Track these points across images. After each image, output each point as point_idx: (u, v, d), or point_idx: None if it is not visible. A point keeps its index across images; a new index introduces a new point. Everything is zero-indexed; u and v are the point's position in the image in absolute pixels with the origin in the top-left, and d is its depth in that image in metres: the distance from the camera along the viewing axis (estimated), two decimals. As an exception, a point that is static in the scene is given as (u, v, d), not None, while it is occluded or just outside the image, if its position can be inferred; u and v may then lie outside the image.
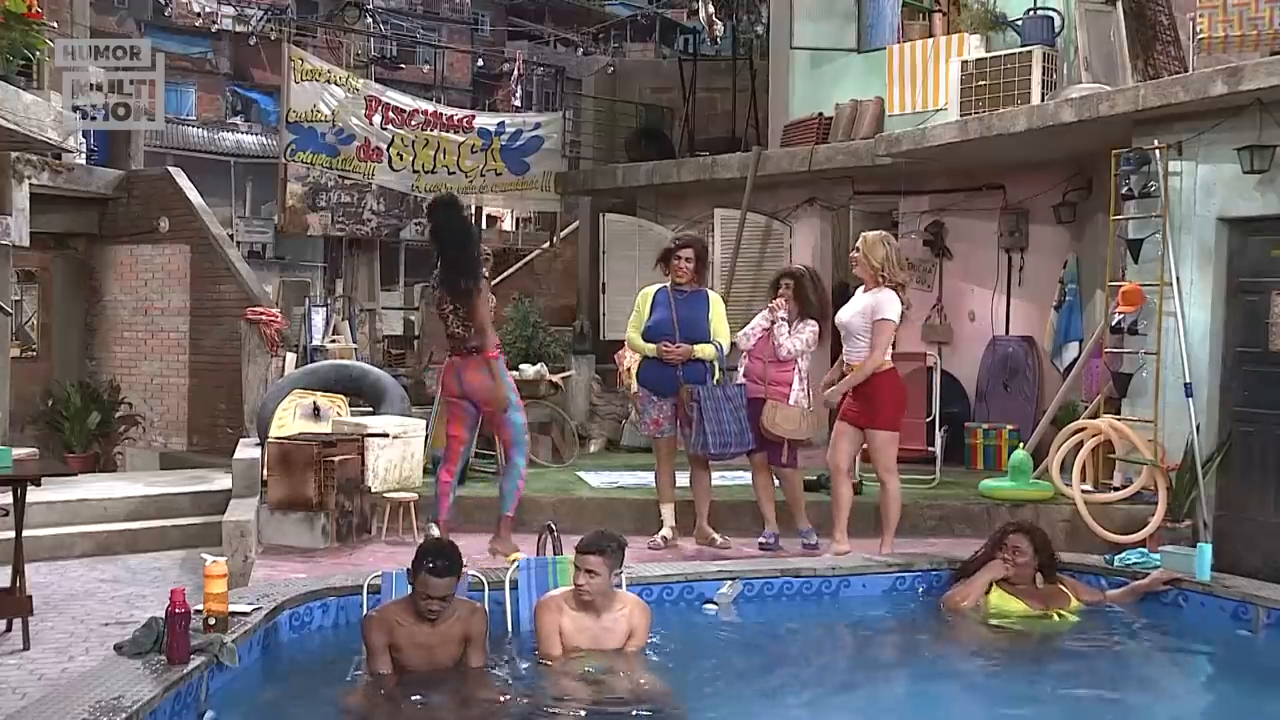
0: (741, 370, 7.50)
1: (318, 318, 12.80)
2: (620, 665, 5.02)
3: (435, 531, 6.09)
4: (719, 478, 7.85)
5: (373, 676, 4.72)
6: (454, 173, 13.39)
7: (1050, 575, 6.26)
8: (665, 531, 7.36)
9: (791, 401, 7.23)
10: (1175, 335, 7.72)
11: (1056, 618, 6.07)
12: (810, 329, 7.35)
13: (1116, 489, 7.89)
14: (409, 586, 4.87)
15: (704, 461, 7.35)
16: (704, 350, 7.19)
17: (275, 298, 13.64)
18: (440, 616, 4.77)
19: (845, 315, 7.00)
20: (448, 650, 4.84)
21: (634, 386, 7.78)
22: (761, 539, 7.47)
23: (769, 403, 7.19)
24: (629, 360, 8.70)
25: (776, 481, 7.51)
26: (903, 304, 6.87)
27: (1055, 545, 6.51)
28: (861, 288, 7.07)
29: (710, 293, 7.48)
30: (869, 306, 6.84)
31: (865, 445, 7.09)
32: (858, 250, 6.98)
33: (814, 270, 7.94)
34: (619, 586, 5.28)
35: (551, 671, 4.90)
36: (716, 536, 7.38)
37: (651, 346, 7.19)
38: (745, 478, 8.38)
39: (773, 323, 7.35)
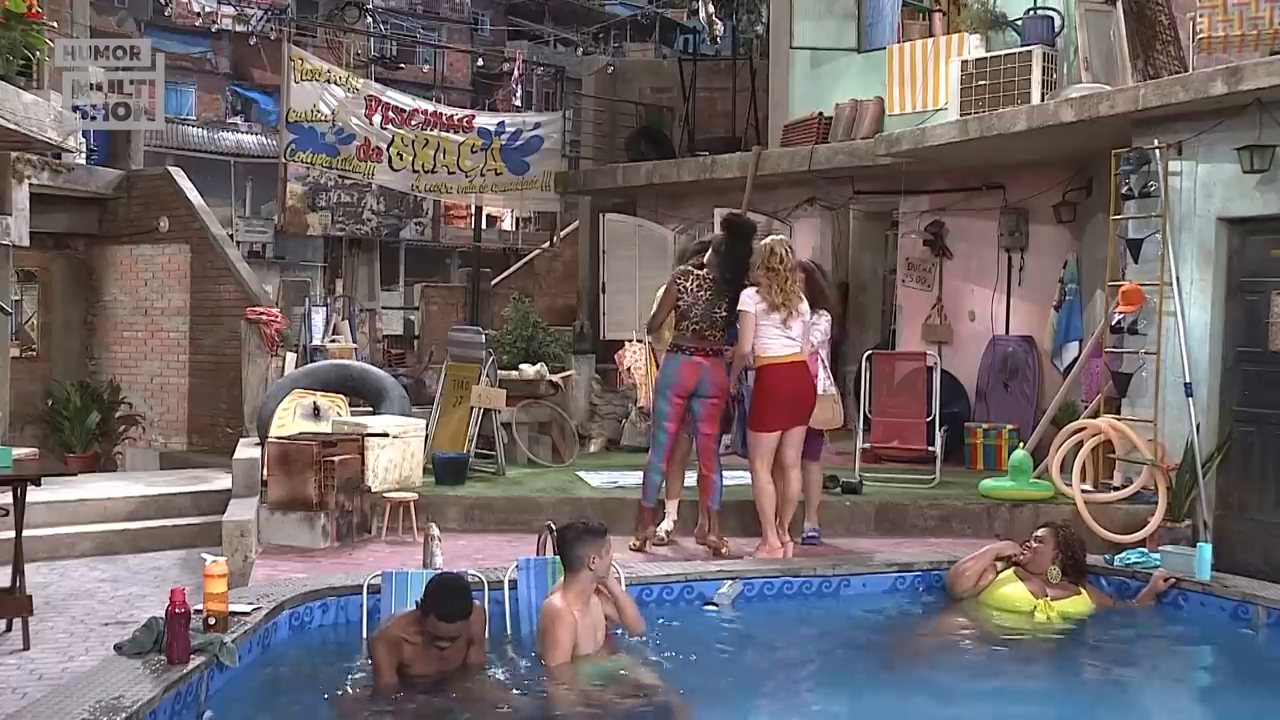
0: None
1: (318, 317, 12.80)
2: (621, 665, 5.02)
3: (435, 531, 6.09)
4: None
5: (375, 687, 4.70)
6: (454, 172, 13.39)
7: (1073, 577, 6.29)
8: (667, 524, 7.39)
9: (821, 391, 7.30)
10: (1175, 335, 7.72)
11: (1048, 608, 6.08)
12: (826, 320, 7.47)
13: (1116, 489, 7.89)
14: (414, 603, 4.86)
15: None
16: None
17: (275, 297, 13.63)
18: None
19: None
20: (456, 658, 4.87)
21: (645, 390, 7.78)
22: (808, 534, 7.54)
23: None
24: (629, 359, 8.71)
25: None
26: (767, 299, 6.90)
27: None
28: None
29: None
30: None
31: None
32: None
33: (820, 264, 8.00)
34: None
35: (553, 672, 4.89)
36: (714, 540, 7.39)
37: None
38: (746, 477, 8.39)
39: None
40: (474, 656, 4.92)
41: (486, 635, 5.27)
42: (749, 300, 6.94)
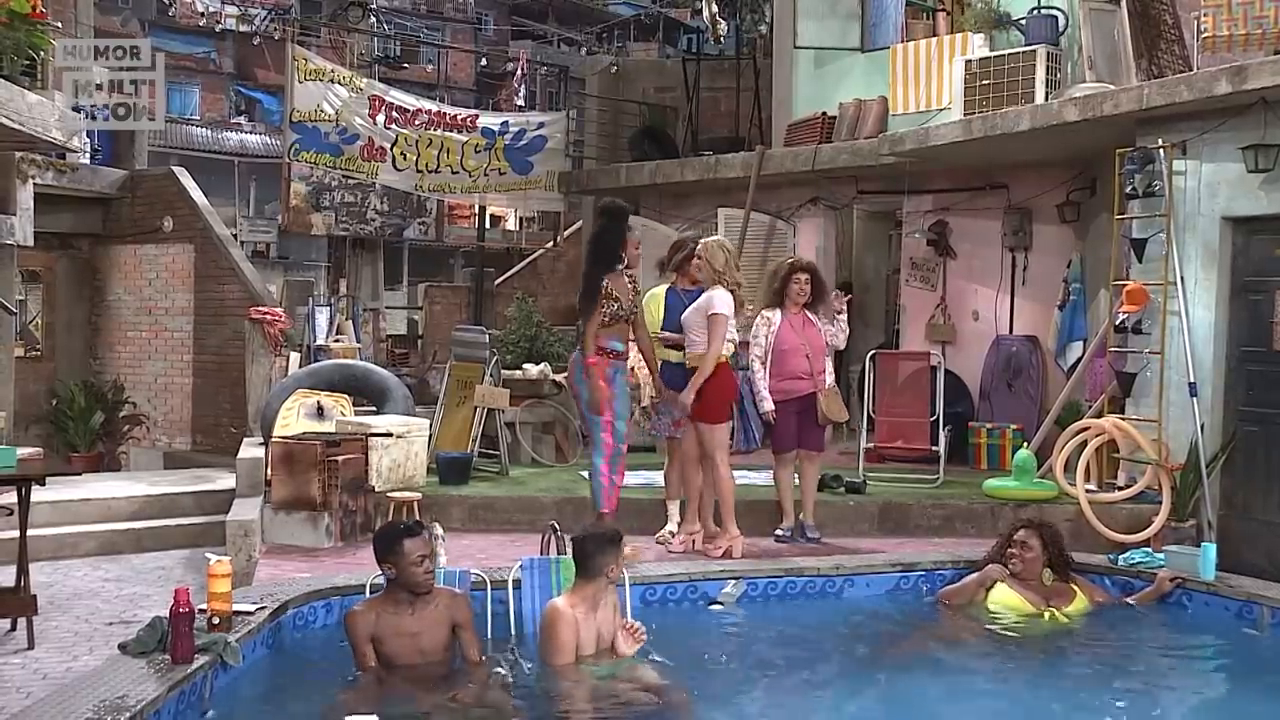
0: (764, 369, 7.35)
1: (321, 317, 12.82)
2: (625, 665, 5.02)
3: (438, 531, 6.09)
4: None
5: (362, 674, 4.74)
6: (458, 172, 13.39)
7: (1063, 574, 6.26)
8: (671, 526, 7.40)
9: (828, 386, 7.43)
10: (1179, 335, 7.72)
11: (1055, 617, 6.06)
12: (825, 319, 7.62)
13: (1120, 488, 7.88)
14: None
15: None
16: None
17: (279, 297, 13.65)
18: (429, 596, 4.82)
19: (684, 314, 7.16)
20: (434, 637, 4.86)
21: (649, 389, 7.75)
22: (779, 531, 7.54)
23: (821, 395, 7.35)
24: (633, 359, 8.67)
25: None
26: (736, 302, 7.06)
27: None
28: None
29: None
30: (703, 304, 7.00)
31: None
32: (699, 256, 7.12)
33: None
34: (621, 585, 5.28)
35: (556, 671, 4.90)
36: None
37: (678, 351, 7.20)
38: (749, 477, 8.39)
39: (834, 319, 7.58)
40: (469, 646, 4.92)
41: (489, 635, 5.29)
42: (727, 305, 6.97)
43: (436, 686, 4.75)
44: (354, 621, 4.81)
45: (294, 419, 8.75)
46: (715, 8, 13.57)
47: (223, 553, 6.69)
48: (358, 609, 4.90)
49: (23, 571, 6.16)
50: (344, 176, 14.00)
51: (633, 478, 8.85)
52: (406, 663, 4.79)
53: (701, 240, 7.36)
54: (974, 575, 6.31)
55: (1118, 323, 8.04)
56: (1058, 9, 9.39)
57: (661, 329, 7.28)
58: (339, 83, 12.54)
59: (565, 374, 10.25)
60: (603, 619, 5.07)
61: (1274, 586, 6.23)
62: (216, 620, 4.68)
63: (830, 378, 7.50)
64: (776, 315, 7.43)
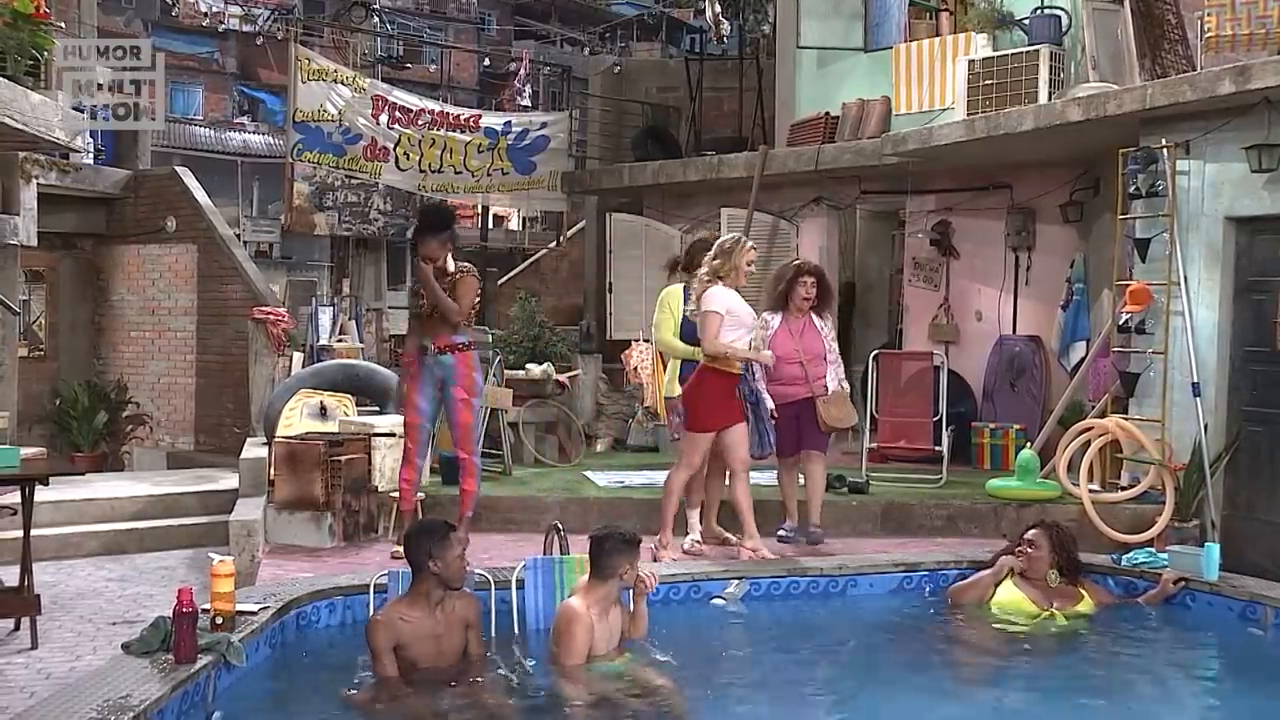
0: (762, 374, 7.27)
1: (324, 317, 12.81)
2: (630, 664, 5.03)
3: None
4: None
5: (380, 680, 4.72)
6: (460, 172, 13.39)
7: (1071, 576, 6.26)
8: (695, 535, 7.32)
9: (831, 390, 7.31)
10: (1182, 334, 7.71)
11: (1059, 617, 6.06)
12: (829, 324, 7.56)
13: (1124, 488, 7.87)
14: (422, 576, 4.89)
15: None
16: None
17: (282, 297, 13.66)
18: (450, 596, 4.87)
19: (741, 310, 6.84)
20: (454, 639, 4.90)
21: (663, 392, 7.71)
22: (781, 531, 7.49)
23: (820, 400, 7.24)
24: (636, 359, 8.69)
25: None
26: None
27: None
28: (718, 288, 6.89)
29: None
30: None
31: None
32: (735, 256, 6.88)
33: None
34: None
35: (562, 671, 4.90)
36: (730, 536, 7.38)
37: (696, 349, 7.14)
38: (752, 477, 8.37)
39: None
40: (475, 645, 4.97)
41: (493, 634, 5.30)
42: None
43: (450, 689, 4.76)
44: (376, 630, 4.76)
45: (297, 419, 8.75)
46: (718, 8, 13.58)
47: (226, 553, 6.70)
48: (379, 617, 4.85)
49: (26, 571, 6.17)
50: (347, 176, 14.02)
51: (634, 477, 8.91)
52: (429, 665, 4.79)
53: (723, 236, 7.27)
54: (987, 571, 6.31)
55: (1121, 323, 8.04)
56: (1061, 9, 9.38)
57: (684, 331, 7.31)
58: (342, 83, 12.54)
59: (568, 374, 10.36)
60: (613, 619, 5.08)
61: (1277, 587, 6.22)
62: (219, 620, 4.69)
63: (835, 383, 7.34)
64: (775, 320, 7.37)
